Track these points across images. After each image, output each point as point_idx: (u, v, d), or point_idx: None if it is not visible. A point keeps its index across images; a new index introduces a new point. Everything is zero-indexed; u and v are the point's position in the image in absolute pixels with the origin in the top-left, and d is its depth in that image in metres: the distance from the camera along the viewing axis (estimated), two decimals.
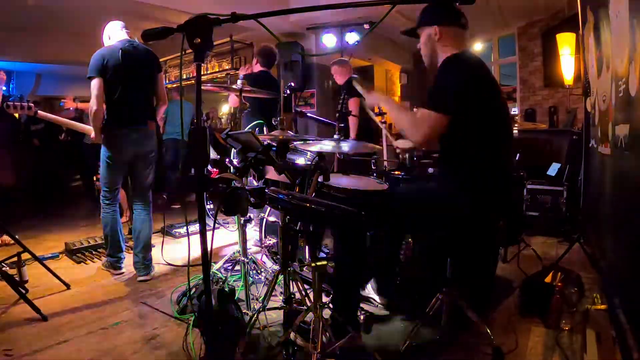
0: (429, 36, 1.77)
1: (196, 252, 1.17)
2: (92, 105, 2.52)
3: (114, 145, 2.65)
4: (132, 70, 2.62)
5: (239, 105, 2.69)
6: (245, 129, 2.58)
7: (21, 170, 5.02)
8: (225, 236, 3.80)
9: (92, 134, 2.63)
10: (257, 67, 3.73)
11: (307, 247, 1.87)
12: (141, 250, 2.77)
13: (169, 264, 3.06)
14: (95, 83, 2.51)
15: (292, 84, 3.46)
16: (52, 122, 3.06)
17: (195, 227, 3.87)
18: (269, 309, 1.92)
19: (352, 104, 4.10)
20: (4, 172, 4.30)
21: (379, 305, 2.22)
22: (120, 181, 2.81)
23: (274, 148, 2.04)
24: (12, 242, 3.44)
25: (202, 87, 1.28)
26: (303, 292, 1.90)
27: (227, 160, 2.31)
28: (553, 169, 3.90)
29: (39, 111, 2.69)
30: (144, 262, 2.78)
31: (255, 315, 1.82)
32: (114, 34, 2.71)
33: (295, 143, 2.30)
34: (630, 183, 1.67)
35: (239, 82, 2.61)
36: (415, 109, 1.73)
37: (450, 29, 1.73)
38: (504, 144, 1.72)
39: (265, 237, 2.55)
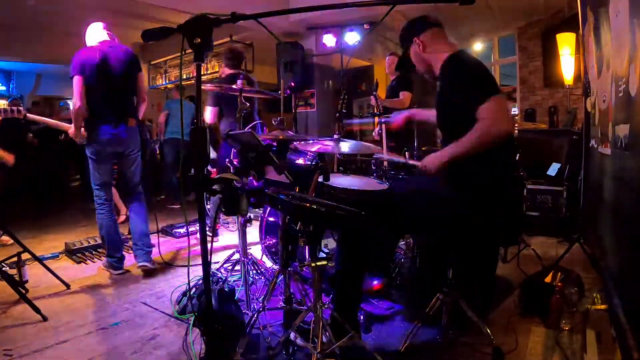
0: (415, 51, 1.80)
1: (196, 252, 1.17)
2: (76, 102, 2.61)
3: (96, 141, 2.72)
4: (111, 70, 2.70)
5: (239, 106, 2.68)
6: (245, 129, 2.59)
7: (15, 174, 4.99)
8: (225, 236, 3.80)
9: (71, 130, 2.71)
10: (226, 71, 3.61)
11: (307, 247, 1.87)
12: (139, 238, 2.87)
13: (169, 264, 3.06)
14: (76, 80, 2.60)
15: (292, 84, 3.45)
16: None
17: (195, 227, 3.87)
18: (269, 309, 1.91)
19: (403, 97, 4.06)
20: None
21: (380, 306, 2.22)
22: (110, 178, 2.88)
23: (274, 148, 2.04)
24: (11, 242, 3.44)
25: (202, 87, 1.28)
26: (303, 292, 1.91)
27: (227, 160, 2.32)
28: (553, 169, 3.89)
29: (28, 114, 2.78)
30: (144, 249, 2.87)
31: (255, 315, 1.82)
32: (95, 35, 2.77)
33: (295, 143, 2.30)
34: (630, 183, 1.67)
35: (239, 82, 2.61)
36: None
37: (427, 33, 1.76)
38: (505, 142, 1.72)
39: (265, 237, 2.55)
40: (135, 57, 2.86)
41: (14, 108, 2.66)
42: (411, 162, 2.05)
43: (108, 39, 2.78)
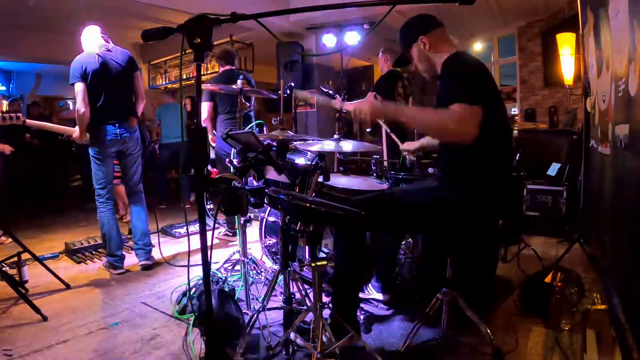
0: (420, 50, 1.76)
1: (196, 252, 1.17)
2: (80, 107, 2.68)
3: (99, 142, 2.78)
4: (110, 73, 2.77)
5: (240, 106, 2.69)
6: (245, 129, 2.59)
7: (14, 173, 5.01)
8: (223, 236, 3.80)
9: (75, 134, 2.77)
10: (222, 67, 3.82)
11: (307, 247, 1.87)
12: (140, 238, 2.96)
13: (169, 264, 3.06)
14: (79, 87, 2.67)
15: (292, 84, 3.47)
16: (51, 123, 3.15)
17: (195, 227, 3.87)
18: (269, 309, 1.91)
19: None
20: None
21: (379, 305, 2.22)
22: (112, 177, 2.92)
23: (274, 148, 2.04)
24: (9, 241, 3.45)
25: (202, 87, 1.28)
26: (303, 292, 1.90)
27: (227, 160, 2.32)
28: (553, 169, 3.90)
29: (27, 120, 2.81)
30: (145, 248, 2.97)
31: (255, 315, 1.82)
32: (92, 39, 2.81)
33: (295, 143, 2.30)
34: (630, 183, 1.67)
35: (239, 82, 2.61)
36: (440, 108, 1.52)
37: (434, 33, 1.74)
38: (505, 143, 1.72)
39: (265, 237, 2.55)
40: (132, 57, 2.93)
41: (13, 115, 2.69)
42: (341, 104, 1.90)
43: (105, 43, 2.83)
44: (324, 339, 1.46)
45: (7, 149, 3.64)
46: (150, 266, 2.98)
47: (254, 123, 3.04)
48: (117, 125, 2.78)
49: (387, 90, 3.89)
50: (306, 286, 2.05)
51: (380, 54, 4.14)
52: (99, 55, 2.73)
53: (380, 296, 2.22)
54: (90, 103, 2.71)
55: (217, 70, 6.57)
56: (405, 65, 1.90)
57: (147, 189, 3.15)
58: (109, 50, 2.81)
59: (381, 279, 2.21)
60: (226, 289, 2.18)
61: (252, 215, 2.35)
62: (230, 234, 3.71)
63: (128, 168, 2.95)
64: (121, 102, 2.83)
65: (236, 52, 4.00)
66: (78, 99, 2.67)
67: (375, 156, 2.74)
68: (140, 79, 3.02)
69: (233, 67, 3.78)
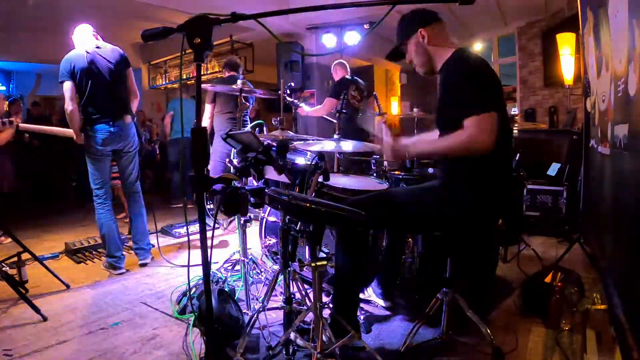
0: (418, 43, 1.73)
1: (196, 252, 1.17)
2: (68, 106, 2.68)
3: (93, 141, 2.76)
4: (99, 71, 2.75)
5: (239, 106, 2.69)
6: (245, 129, 2.59)
7: (22, 175, 5.01)
8: (223, 236, 3.80)
9: (75, 137, 2.77)
10: (227, 73, 4.10)
11: (307, 247, 1.87)
12: (139, 237, 2.99)
13: (169, 264, 3.06)
14: (67, 85, 2.67)
15: (292, 84, 3.50)
16: (50, 123, 3.16)
17: (195, 227, 3.87)
18: (269, 309, 1.91)
19: (325, 103, 4.26)
20: (5, 179, 4.36)
21: (380, 306, 2.22)
22: (109, 176, 2.91)
23: (274, 148, 2.04)
24: (9, 241, 3.45)
25: (202, 87, 1.28)
26: (303, 292, 1.91)
27: (227, 160, 2.32)
28: (553, 169, 3.90)
29: (20, 124, 2.83)
30: (144, 247, 3.00)
31: (255, 315, 1.82)
32: (83, 38, 2.81)
33: (295, 143, 2.30)
34: (630, 183, 1.67)
35: (239, 82, 2.62)
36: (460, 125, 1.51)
37: (434, 26, 1.71)
38: (505, 143, 1.71)
39: (265, 237, 2.55)
40: (123, 55, 2.91)
41: (5, 120, 2.71)
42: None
43: (95, 41, 2.83)
44: (324, 339, 1.46)
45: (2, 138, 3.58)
46: (148, 264, 3.00)
47: (254, 123, 3.04)
48: (110, 123, 2.76)
49: (338, 93, 4.12)
50: (306, 286, 2.05)
51: (332, 67, 4.48)
52: (87, 53, 2.71)
53: (382, 302, 2.22)
54: (82, 101, 2.70)
55: (217, 69, 6.63)
56: (398, 60, 1.89)
57: (145, 188, 3.14)
58: (98, 48, 2.79)
59: (383, 286, 2.21)
60: (226, 289, 2.18)
61: (252, 215, 2.35)
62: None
63: (124, 167, 2.93)
64: (113, 100, 2.81)
65: (240, 62, 4.29)
66: (66, 97, 2.67)
67: (375, 156, 2.74)
68: (132, 76, 3.00)
69: (235, 74, 3.94)
